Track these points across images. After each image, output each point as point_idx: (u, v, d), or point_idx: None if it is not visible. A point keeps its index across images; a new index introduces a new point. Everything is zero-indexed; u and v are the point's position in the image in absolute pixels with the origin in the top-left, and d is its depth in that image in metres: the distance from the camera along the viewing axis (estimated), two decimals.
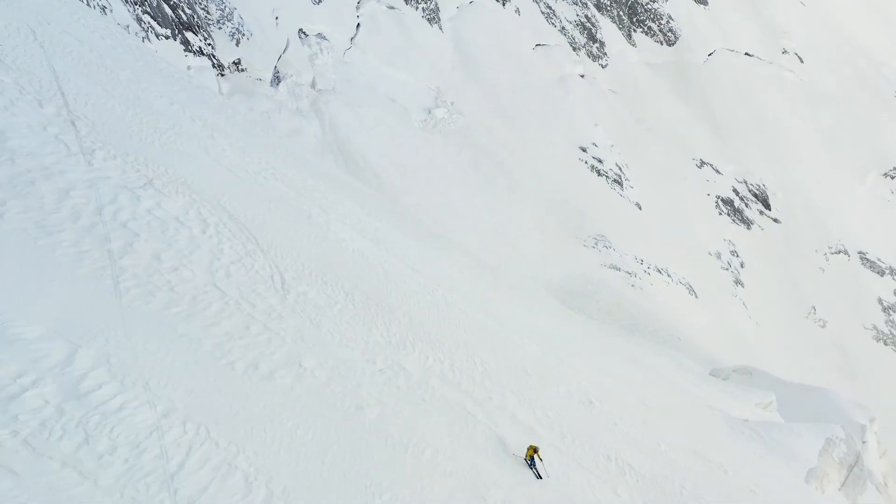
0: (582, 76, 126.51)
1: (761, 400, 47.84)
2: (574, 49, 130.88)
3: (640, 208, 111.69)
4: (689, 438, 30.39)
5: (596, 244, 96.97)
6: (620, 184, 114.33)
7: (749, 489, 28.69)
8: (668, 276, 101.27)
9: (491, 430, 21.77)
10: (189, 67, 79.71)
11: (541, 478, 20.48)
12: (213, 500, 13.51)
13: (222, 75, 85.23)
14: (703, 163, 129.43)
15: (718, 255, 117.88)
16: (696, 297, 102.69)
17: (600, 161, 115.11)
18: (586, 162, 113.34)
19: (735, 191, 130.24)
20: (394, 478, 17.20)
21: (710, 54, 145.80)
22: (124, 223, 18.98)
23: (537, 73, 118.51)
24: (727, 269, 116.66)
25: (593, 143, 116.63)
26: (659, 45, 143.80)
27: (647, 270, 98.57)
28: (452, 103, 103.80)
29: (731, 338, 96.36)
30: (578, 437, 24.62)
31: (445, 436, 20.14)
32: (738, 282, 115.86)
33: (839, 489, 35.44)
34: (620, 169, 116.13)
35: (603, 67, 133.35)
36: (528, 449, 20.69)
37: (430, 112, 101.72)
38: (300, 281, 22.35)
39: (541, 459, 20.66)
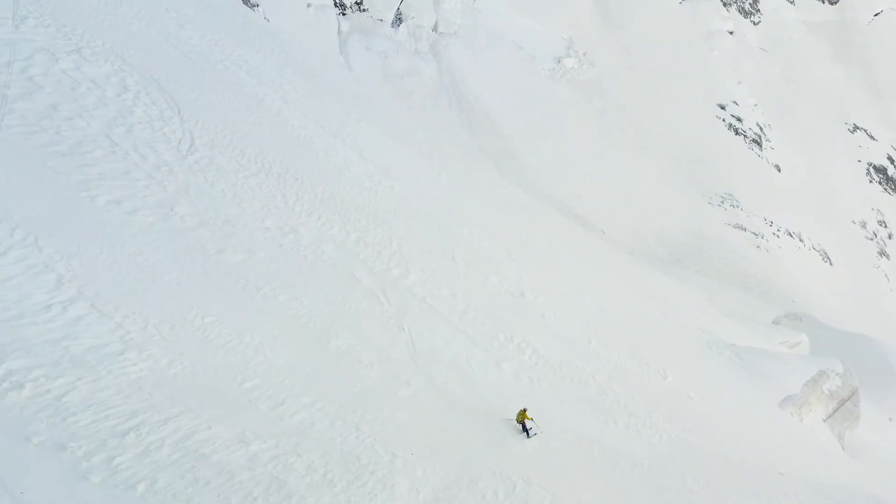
0: (731, 33, 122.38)
1: (788, 339, 45.66)
2: (725, 5, 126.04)
3: (778, 170, 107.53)
4: (640, 347, 29.91)
5: (722, 202, 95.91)
6: (759, 144, 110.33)
7: (687, 396, 28.08)
8: (801, 240, 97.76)
9: (373, 294, 22.67)
10: (309, 5, 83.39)
11: (533, 434, 19.85)
12: (18, 288, 15.33)
13: (343, 14, 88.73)
14: (856, 128, 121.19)
15: (863, 224, 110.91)
16: (831, 264, 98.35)
17: (739, 120, 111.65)
18: (724, 120, 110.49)
19: (890, 158, 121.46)
20: (228, 308, 18.51)
21: (876, 14, 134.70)
22: (31, 77, 21.04)
23: (682, 28, 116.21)
24: (872, 239, 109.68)
25: (734, 102, 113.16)
26: (820, 2, 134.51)
27: (777, 233, 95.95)
28: (585, 54, 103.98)
29: (866, 308, 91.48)
30: (483, 317, 25.02)
31: (315, 290, 21.21)
32: (882, 253, 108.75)
33: (824, 420, 33.70)
34: (761, 129, 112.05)
35: (755, 24, 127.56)
36: (518, 414, 20.04)
37: (559, 61, 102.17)
38: (212, 148, 23.88)
39: (531, 419, 19.98)
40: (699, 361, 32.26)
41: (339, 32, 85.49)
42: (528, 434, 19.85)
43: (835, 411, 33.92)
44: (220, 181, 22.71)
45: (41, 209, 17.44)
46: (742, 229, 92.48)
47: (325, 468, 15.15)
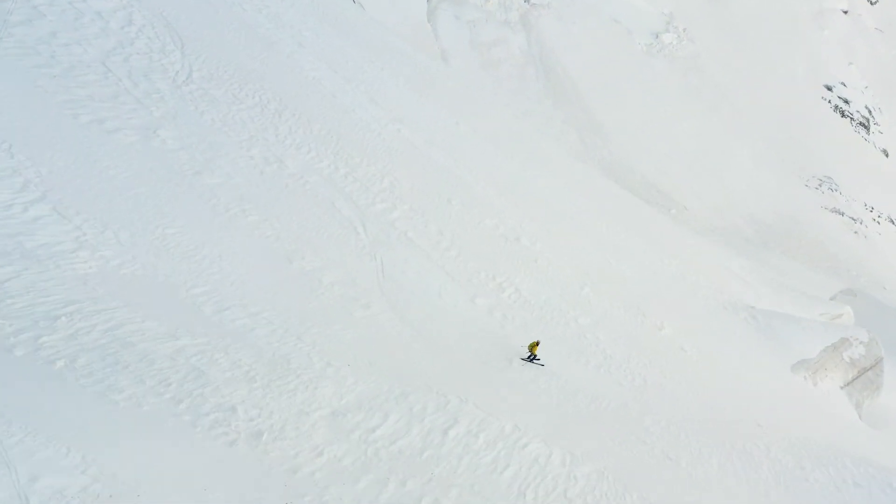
0: (845, 12, 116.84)
1: (829, 311, 43.77)
2: None
3: (886, 155, 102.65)
4: (642, 300, 29.41)
5: (820, 185, 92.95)
6: (867, 127, 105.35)
7: (680, 348, 27.51)
8: None
9: (351, 224, 23.22)
10: None
11: (543, 364, 21.18)
12: None
13: None
14: None
15: None
16: None
17: (847, 102, 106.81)
18: (829, 101, 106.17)
19: None
20: (192, 223, 19.45)
21: None
22: (36, 6, 22.47)
23: (791, 5, 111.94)
24: None
25: (842, 83, 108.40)
26: None
27: (878, 219, 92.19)
28: (685, 30, 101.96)
29: None
30: (468, 256, 25.17)
31: (289, 215, 21.94)
32: None
33: (842, 387, 32.24)
34: (870, 112, 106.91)
35: (872, 4, 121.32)
36: (529, 346, 21.20)
37: (657, 36, 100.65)
38: (210, 81, 24.87)
39: (534, 353, 21.10)
40: (707, 319, 31.42)
41: (428, 0, 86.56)
42: (532, 360, 20.97)
43: (854, 379, 32.41)
44: (211, 111, 23.65)
45: (21, 121, 18.75)
46: (839, 213, 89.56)
47: (251, 367, 15.87)
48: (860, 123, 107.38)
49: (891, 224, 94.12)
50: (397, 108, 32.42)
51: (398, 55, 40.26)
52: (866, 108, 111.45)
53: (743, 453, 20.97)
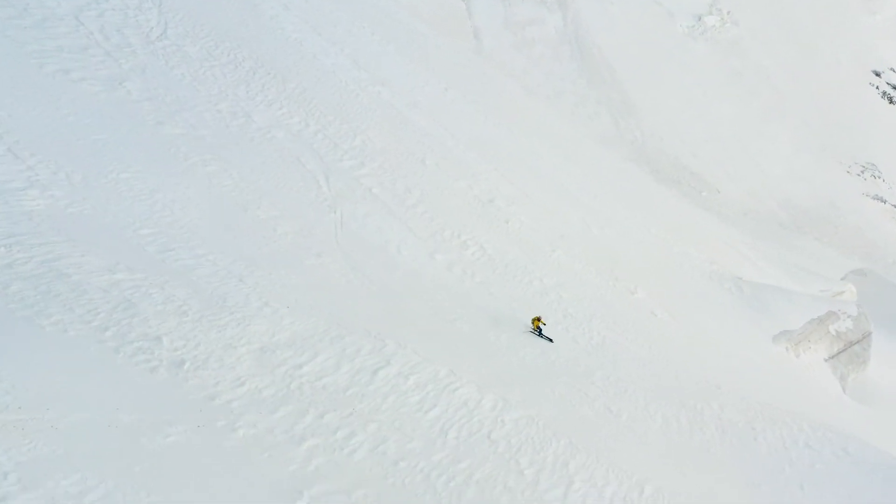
0: None
1: (829, 287, 43.14)
2: None
3: None
4: (618, 265, 29.35)
5: (863, 172, 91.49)
6: None
7: (651, 312, 27.45)
8: None
9: (315, 178, 23.61)
10: None
11: (551, 341, 21.34)
12: None
13: None
14: None
15: None
16: None
17: None
18: (877, 87, 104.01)
19: None
20: (149, 169, 20.00)
21: None
22: None
23: None
24: None
25: (891, 69, 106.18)
26: None
27: None
28: (728, 12, 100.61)
29: None
30: (434, 214, 25.38)
31: (250, 167, 22.40)
32: None
33: (826, 360, 31.83)
34: None
35: None
36: (532, 321, 21.33)
37: (699, 19, 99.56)
38: (184, 38, 25.37)
39: (544, 324, 21.33)
40: (688, 287, 31.23)
41: None
42: (541, 334, 21.10)
43: (840, 352, 31.97)
44: (182, 66, 24.17)
45: None
46: (881, 201, 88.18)
47: (184, 302, 16.39)
48: None
49: None
50: (381, 72, 32.65)
51: (392, 21, 40.39)
52: None
53: (693, 411, 20.96)
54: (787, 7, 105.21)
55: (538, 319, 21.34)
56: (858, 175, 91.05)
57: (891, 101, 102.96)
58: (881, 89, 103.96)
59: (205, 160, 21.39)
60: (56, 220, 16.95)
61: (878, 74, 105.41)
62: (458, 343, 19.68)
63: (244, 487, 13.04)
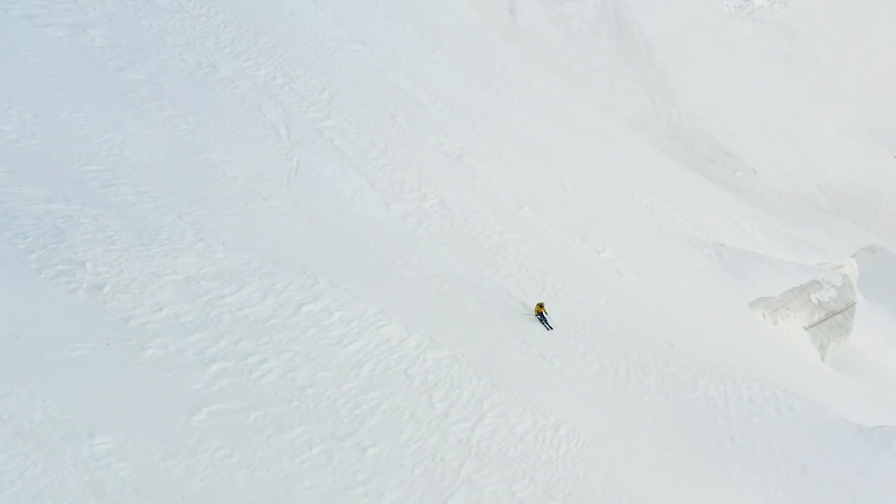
0: None
1: (829, 261, 42.46)
2: None
3: None
4: (589, 224, 29.25)
5: None
6: None
7: (617, 272, 27.37)
8: None
9: (275, 127, 24.00)
10: None
11: (551, 328, 20.82)
12: None
13: None
14: None
15: None
16: None
17: None
18: None
19: None
20: (103, 111, 20.57)
21: None
22: None
23: None
24: None
25: None
26: None
27: None
28: None
29: None
30: (397, 166, 25.52)
31: (209, 113, 22.84)
32: None
33: (806, 328, 31.38)
34: None
35: None
36: (535, 306, 21.01)
37: None
38: None
39: (547, 313, 20.98)
40: (663, 251, 30.97)
41: None
42: (546, 324, 20.71)
43: (820, 321, 31.48)
44: (150, 17, 24.68)
45: None
46: None
47: (116, 233, 16.96)
48: None
49: None
50: (362, 31, 32.79)
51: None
52: None
53: (635, 364, 20.98)
54: None
55: (541, 306, 20.94)
56: None
57: None
58: None
59: (162, 105, 21.91)
60: (1, 153, 17.62)
61: None
62: (397, 286, 19.95)
63: (142, 400, 13.59)
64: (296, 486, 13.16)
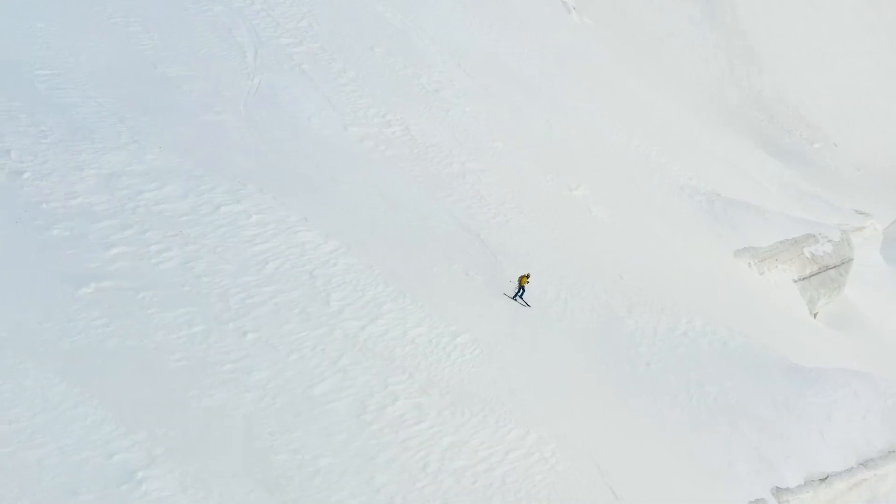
0: None
1: (850, 222, 40.92)
2: None
3: None
4: (568, 164, 28.88)
5: None
6: None
7: (588, 209, 27.08)
8: None
9: (242, 49, 24.65)
10: None
11: (524, 304, 19.46)
12: None
13: None
14: None
15: None
16: None
17: None
18: None
19: None
20: (62, 22, 21.57)
21: None
22: None
23: None
24: None
25: None
26: None
27: None
28: None
29: None
30: (364, 93, 25.72)
31: (176, 34, 23.65)
32: None
33: (795, 281, 30.32)
34: None
35: None
36: (519, 279, 19.68)
37: None
38: None
39: (527, 283, 19.37)
40: (647, 195, 30.33)
41: None
42: (518, 297, 19.30)
43: (812, 275, 30.36)
44: None
45: None
46: None
47: (49, 128, 17.99)
48: None
49: None
50: None
51: None
52: None
53: (569, 290, 20.94)
54: None
55: (525, 278, 19.34)
56: None
57: None
58: None
59: (129, 21, 22.84)
60: None
61: None
62: (331, 201, 20.31)
63: (34, 271, 14.57)
64: (165, 357, 13.91)
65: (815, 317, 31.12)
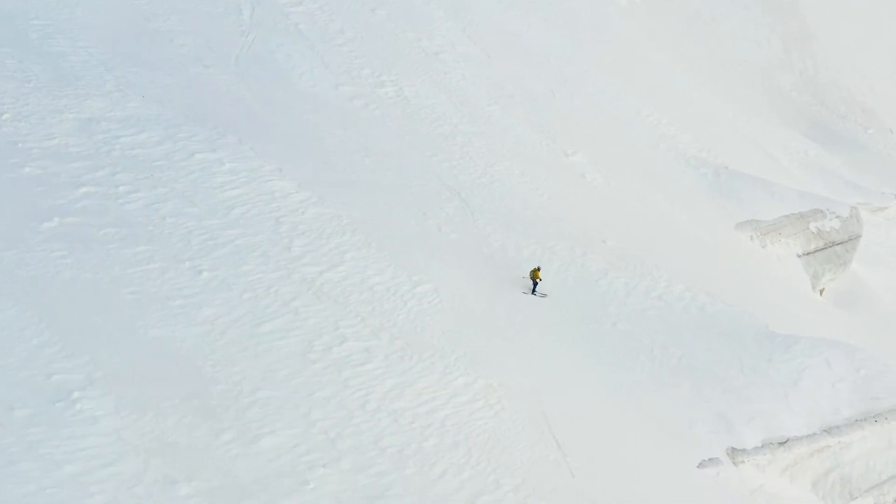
0: None
1: (871, 201, 39.82)
2: None
3: None
4: (566, 130, 28.50)
5: None
6: None
7: (581, 174, 26.83)
8: None
9: (237, 6, 25.00)
10: None
11: (541, 295, 19.04)
12: None
13: None
14: None
15: None
16: None
17: None
18: None
19: None
20: None
21: None
22: None
23: None
24: None
25: None
26: None
27: None
28: None
29: None
30: (359, 53, 25.88)
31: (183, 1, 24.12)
32: None
33: (799, 256, 29.57)
34: None
35: None
36: (531, 273, 19.27)
37: None
38: None
39: (540, 279, 19.14)
40: (650, 163, 29.84)
41: None
42: (534, 292, 19.02)
43: (817, 250, 29.56)
44: None
45: None
46: None
47: (35, 74, 18.71)
48: None
49: None
50: None
51: None
52: None
53: (546, 249, 20.80)
54: None
55: (537, 271, 19.03)
56: None
57: None
58: None
59: None
60: None
61: None
62: (310, 153, 20.61)
63: (2, 207, 15.21)
64: (118, 290, 14.40)
65: (821, 293, 30.37)
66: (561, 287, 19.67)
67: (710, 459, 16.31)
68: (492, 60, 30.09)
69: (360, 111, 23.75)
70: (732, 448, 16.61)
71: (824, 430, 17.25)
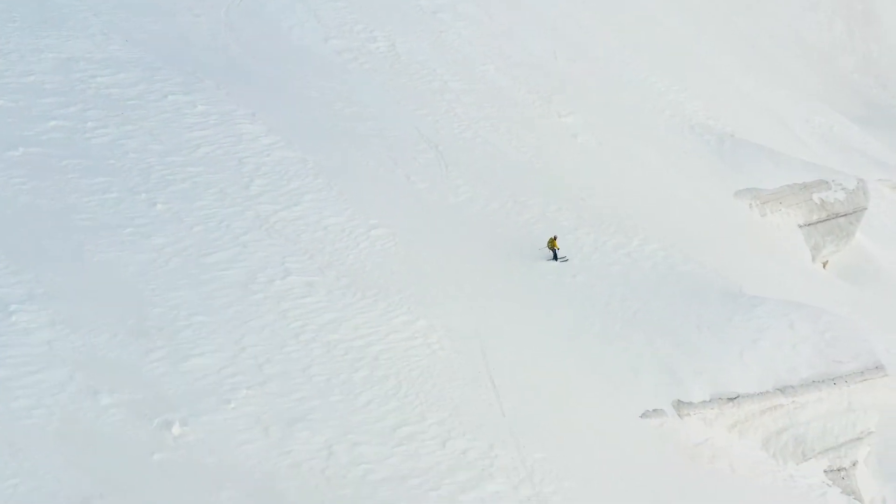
0: None
1: (891, 178, 38.59)
2: None
3: None
4: (561, 95, 27.97)
5: None
6: None
7: (573, 135, 26.56)
8: None
9: None
10: None
11: (562, 259, 19.19)
12: None
13: None
14: None
15: None
16: None
17: None
18: None
19: None
20: None
21: None
22: None
23: None
24: None
25: None
26: None
27: None
28: None
29: None
30: (352, 7, 26.10)
31: None
32: None
33: (800, 226, 28.78)
34: None
35: None
36: (549, 241, 19.41)
37: None
38: None
39: (558, 248, 19.35)
40: (651, 127, 29.29)
41: None
42: (556, 258, 19.12)
43: (819, 221, 28.73)
44: None
45: None
46: None
47: (21, 15, 19.40)
48: None
49: None
50: None
51: None
52: None
53: (518, 204, 20.70)
54: None
55: (554, 240, 19.08)
56: None
57: None
58: None
59: None
60: None
61: None
62: (287, 100, 20.89)
63: None
64: (72, 216, 14.99)
65: (824, 266, 29.63)
66: (523, 235, 19.56)
67: (653, 410, 16.20)
68: (493, 21, 29.89)
69: (348, 64, 23.94)
70: (679, 401, 16.47)
71: (777, 389, 16.97)
